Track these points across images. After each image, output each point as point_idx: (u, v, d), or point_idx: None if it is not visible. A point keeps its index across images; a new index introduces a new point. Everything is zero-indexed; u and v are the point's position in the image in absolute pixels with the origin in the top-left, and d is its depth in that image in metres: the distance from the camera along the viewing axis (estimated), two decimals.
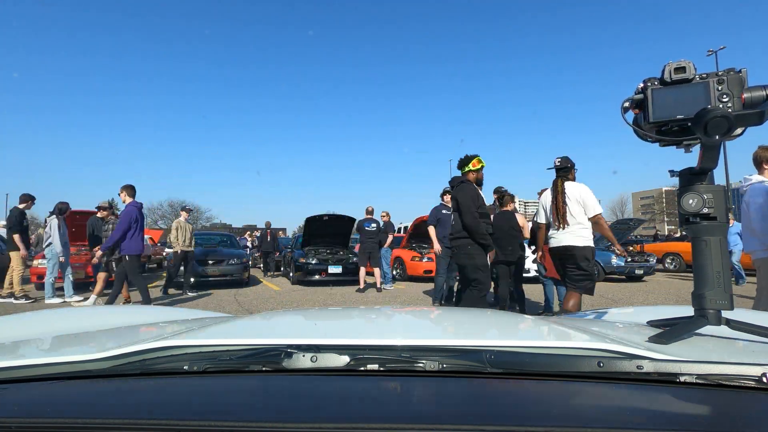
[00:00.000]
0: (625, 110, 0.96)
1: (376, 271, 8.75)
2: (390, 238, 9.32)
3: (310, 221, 10.15)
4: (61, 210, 7.39)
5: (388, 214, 9.84)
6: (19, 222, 7.08)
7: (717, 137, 0.81)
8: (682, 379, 0.61)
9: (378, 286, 8.69)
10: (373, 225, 8.81)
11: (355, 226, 9.50)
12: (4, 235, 11.90)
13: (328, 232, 10.39)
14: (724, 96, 0.86)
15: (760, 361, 0.61)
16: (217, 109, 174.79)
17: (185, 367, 0.66)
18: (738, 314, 0.90)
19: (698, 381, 0.60)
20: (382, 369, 0.66)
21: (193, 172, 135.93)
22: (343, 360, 0.66)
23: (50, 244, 7.17)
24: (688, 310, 0.95)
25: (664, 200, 71.40)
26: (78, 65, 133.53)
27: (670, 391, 0.60)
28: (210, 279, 9.03)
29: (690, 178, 0.92)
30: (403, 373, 0.66)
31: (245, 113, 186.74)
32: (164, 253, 12.83)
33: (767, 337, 0.84)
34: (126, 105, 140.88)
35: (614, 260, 10.30)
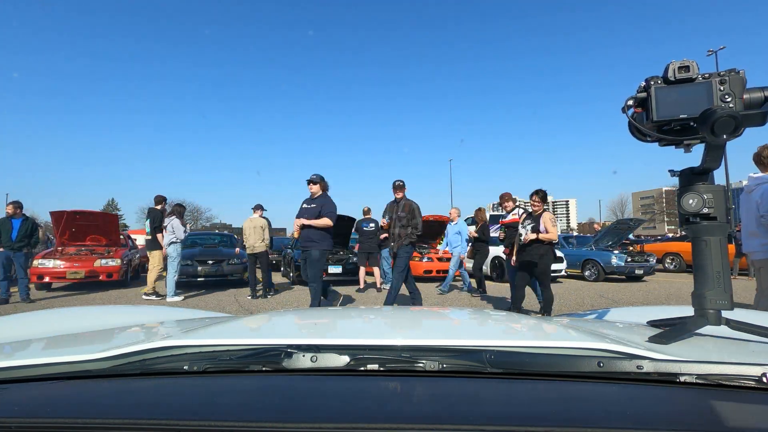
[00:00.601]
0: (627, 108, 0.96)
1: (376, 270, 8.74)
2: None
3: None
4: (181, 212, 7.88)
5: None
6: (161, 222, 7.67)
7: (724, 137, 0.80)
8: (682, 379, 0.61)
9: (378, 286, 8.67)
10: (372, 225, 8.80)
11: (354, 226, 9.48)
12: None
13: None
14: (727, 96, 0.86)
15: (760, 361, 0.61)
16: (217, 109, 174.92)
17: (185, 367, 0.66)
18: (738, 314, 0.90)
19: (698, 381, 0.60)
20: (382, 369, 0.66)
21: (193, 172, 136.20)
22: (343, 360, 0.65)
23: (172, 243, 7.46)
24: (688, 310, 0.95)
25: (664, 200, 71.46)
26: (78, 66, 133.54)
27: (670, 391, 0.60)
28: (209, 279, 9.02)
29: (690, 178, 0.92)
30: (403, 373, 0.65)
31: (245, 113, 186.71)
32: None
33: (767, 337, 0.84)
34: (126, 105, 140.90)
35: (614, 260, 10.29)
